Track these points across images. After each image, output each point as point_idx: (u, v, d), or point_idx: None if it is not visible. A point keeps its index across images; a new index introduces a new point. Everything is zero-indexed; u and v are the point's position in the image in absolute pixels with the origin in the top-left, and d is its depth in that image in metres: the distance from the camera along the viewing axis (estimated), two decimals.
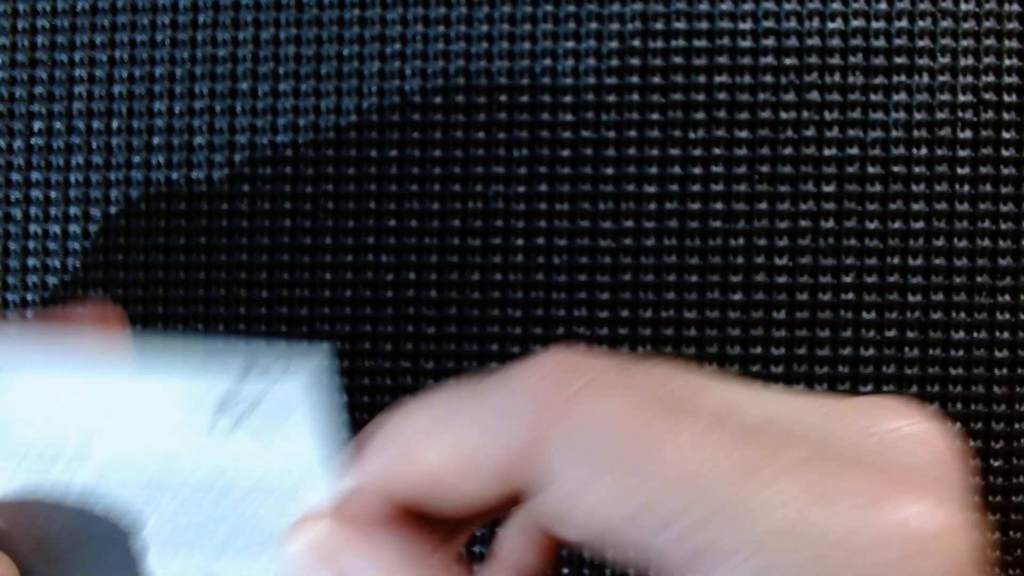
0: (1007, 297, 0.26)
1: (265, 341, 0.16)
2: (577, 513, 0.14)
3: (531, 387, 0.15)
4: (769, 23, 0.26)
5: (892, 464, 0.13)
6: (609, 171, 0.26)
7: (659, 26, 0.26)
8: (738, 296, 0.26)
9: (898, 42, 0.26)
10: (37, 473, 0.17)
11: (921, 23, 0.26)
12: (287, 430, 0.17)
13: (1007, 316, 0.26)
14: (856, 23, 0.26)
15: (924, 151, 0.26)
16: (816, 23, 0.26)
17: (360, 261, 0.26)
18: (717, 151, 0.26)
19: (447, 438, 0.15)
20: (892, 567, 0.12)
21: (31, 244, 0.28)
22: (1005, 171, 0.26)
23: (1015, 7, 0.26)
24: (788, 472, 0.13)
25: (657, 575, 0.14)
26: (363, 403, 0.27)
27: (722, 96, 0.26)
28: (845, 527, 0.12)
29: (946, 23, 0.26)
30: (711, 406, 0.14)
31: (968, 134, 0.26)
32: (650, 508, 0.13)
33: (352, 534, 0.16)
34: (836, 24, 0.26)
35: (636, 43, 0.26)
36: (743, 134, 0.26)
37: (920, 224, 0.26)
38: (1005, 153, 0.26)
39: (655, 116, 0.26)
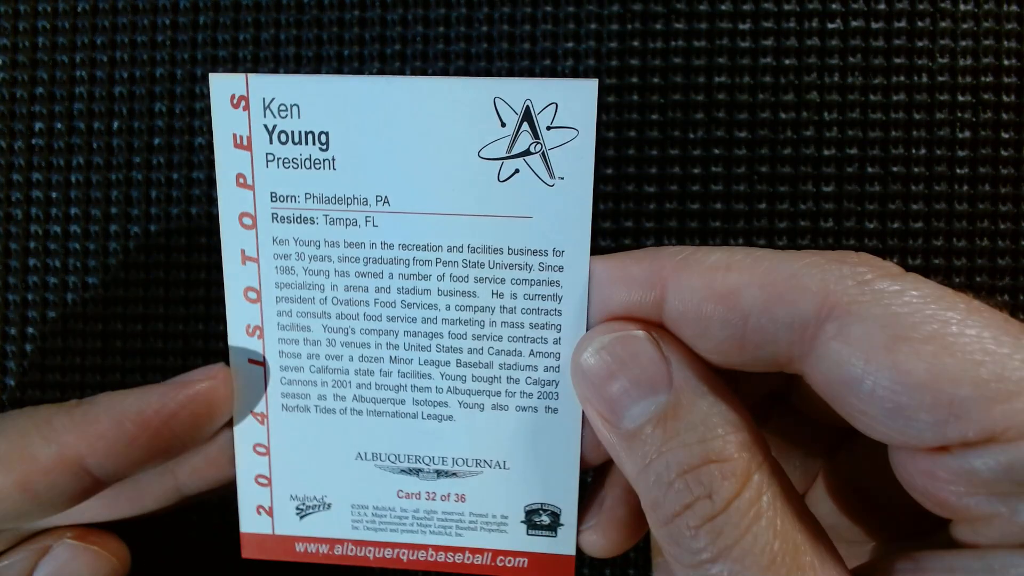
0: (1006, 297, 0.26)
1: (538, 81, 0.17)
2: (861, 384, 0.14)
3: (841, 257, 0.15)
4: (769, 23, 0.26)
5: None
6: (609, 171, 0.26)
7: (659, 26, 0.26)
8: None
9: (897, 42, 0.26)
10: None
11: (920, 23, 0.26)
12: (566, 169, 0.18)
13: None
14: (855, 23, 0.26)
15: (923, 151, 0.26)
16: (815, 23, 0.26)
17: None
18: (717, 151, 0.26)
19: (757, 270, 0.16)
20: None
21: (32, 244, 0.28)
22: (1004, 171, 0.26)
23: (1014, 8, 0.26)
24: None
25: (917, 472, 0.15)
26: None
27: (721, 96, 0.26)
28: None
29: (945, 23, 0.26)
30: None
31: (967, 134, 0.26)
32: (949, 384, 0.14)
33: (667, 346, 0.16)
34: (835, 24, 0.26)
35: (636, 43, 0.26)
36: (743, 134, 0.26)
37: (919, 224, 0.26)
38: (1004, 153, 0.26)
39: (655, 116, 0.26)
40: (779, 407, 0.21)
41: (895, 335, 0.14)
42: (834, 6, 0.26)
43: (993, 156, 0.26)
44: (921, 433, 0.14)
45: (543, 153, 0.17)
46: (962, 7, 0.26)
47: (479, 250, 0.18)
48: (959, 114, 0.26)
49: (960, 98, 0.26)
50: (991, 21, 0.26)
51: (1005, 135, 0.26)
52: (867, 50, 0.26)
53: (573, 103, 0.17)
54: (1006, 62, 0.26)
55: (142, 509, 0.22)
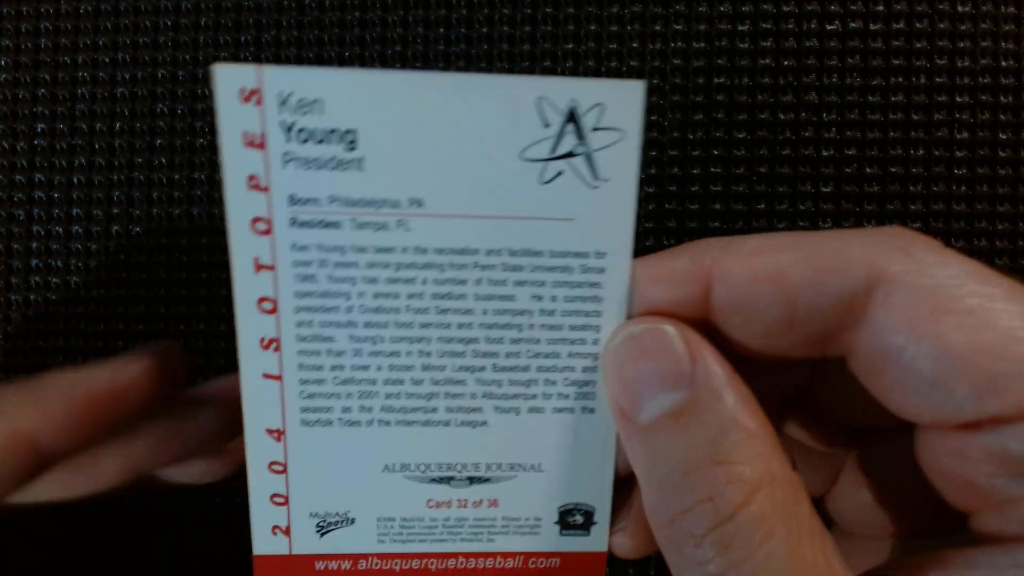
0: None
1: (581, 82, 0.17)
2: (903, 353, 0.14)
3: (885, 231, 0.15)
4: (767, 24, 0.26)
5: None
6: None
7: (658, 27, 0.26)
8: None
9: (896, 43, 0.26)
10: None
11: (918, 24, 0.26)
12: (610, 171, 0.17)
13: None
14: (854, 24, 0.26)
15: (921, 152, 0.26)
16: (814, 24, 0.26)
17: None
18: (716, 152, 0.26)
19: (802, 249, 0.15)
20: None
21: (34, 245, 0.28)
22: (1002, 172, 0.26)
23: (1012, 9, 0.26)
24: None
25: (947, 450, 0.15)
26: None
27: (720, 97, 0.26)
28: None
29: (943, 24, 0.26)
30: None
31: (965, 135, 0.26)
32: (989, 357, 0.14)
33: (696, 341, 0.16)
34: (834, 26, 0.26)
35: (635, 44, 0.26)
36: (742, 135, 0.26)
37: (917, 225, 0.26)
38: (1002, 154, 0.26)
39: (654, 117, 0.26)
40: (802, 408, 0.21)
41: (939, 306, 0.14)
42: (833, 7, 0.26)
43: (991, 157, 0.26)
44: (958, 406, 0.14)
45: (588, 155, 0.17)
46: (960, 8, 0.26)
47: (519, 253, 0.17)
48: (957, 115, 0.26)
49: (958, 99, 0.26)
50: (989, 22, 0.26)
51: (1003, 136, 0.26)
52: (866, 51, 0.26)
53: (619, 104, 0.17)
54: (1004, 63, 0.26)
55: (96, 488, 0.21)
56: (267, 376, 0.18)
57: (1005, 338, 0.14)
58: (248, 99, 0.16)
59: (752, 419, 0.15)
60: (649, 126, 0.26)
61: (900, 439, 0.17)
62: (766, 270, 0.16)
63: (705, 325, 0.17)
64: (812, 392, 0.20)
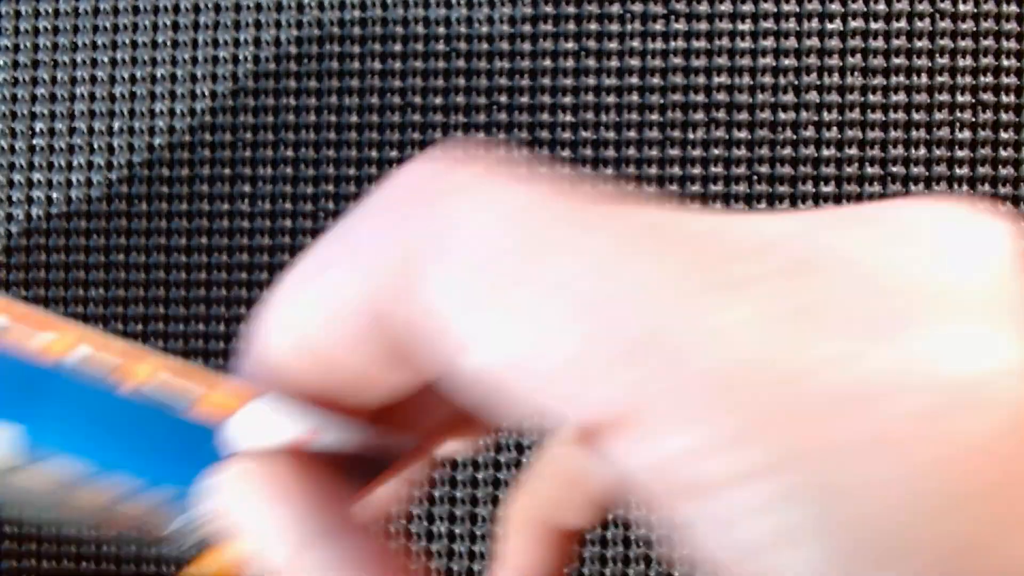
0: None
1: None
2: (476, 376, 0.09)
3: (390, 207, 0.10)
4: (768, 24, 0.26)
5: (923, 284, 0.08)
6: (609, 172, 0.26)
7: (659, 27, 0.26)
8: None
9: (896, 43, 0.26)
10: None
11: (919, 24, 0.26)
12: None
13: None
14: (855, 24, 0.26)
15: (922, 151, 0.26)
16: (815, 24, 0.26)
17: None
18: (716, 151, 0.26)
19: (309, 298, 0.10)
20: (903, 426, 0.07)
21: (35, 245, 0.28)
22: (1003, 171, 0.26)
23: (1013, 8, 0.26)
24: (753, 291, 0.08)
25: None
26: None
27: (721, 97, 0.26)
28: (837, 368, 0.08)
29: (944, 24, 0.26)
30: (646, 219, 0.09)
31: (966, 134, 0.26)
32: (540, 354, 0.09)
33: (259, 477, 0.11)
34: (835, 25, 0.26)
35: (636, 43, 0.26)
36: (742, 135, 0.26)
37: None
38: (1003, 153, 0.26)
39: (655, 116, 0.26)
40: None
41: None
42: (833, 7, 0.26)
43: (992, 156, 0.26)
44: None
45: None
46: (961, 7, 0.26)
47: None
48: (958, 114, 0.26)
49: (959, 98, 0.26)
50: (990, 21, 0.26)
51: (1004, 135, 0.26)
52: (866, 51, 0.26)
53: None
54: (1005, 62, 0.26)
55: None
56: None
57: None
58: None
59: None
60: (649, 126, 0.26)
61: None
62: (294, 351, 0.11)
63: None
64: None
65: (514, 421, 0.13)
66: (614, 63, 0.26)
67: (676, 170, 0.26)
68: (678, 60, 0.26)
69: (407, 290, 0.09)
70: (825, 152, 0.26)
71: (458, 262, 0.09)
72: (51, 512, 0.14)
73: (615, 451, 0.08)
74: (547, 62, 0.26)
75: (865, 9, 0.26)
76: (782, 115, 0.26)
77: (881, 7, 0.26)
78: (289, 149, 0.27)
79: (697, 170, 0.26)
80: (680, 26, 0.26)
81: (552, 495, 0.14)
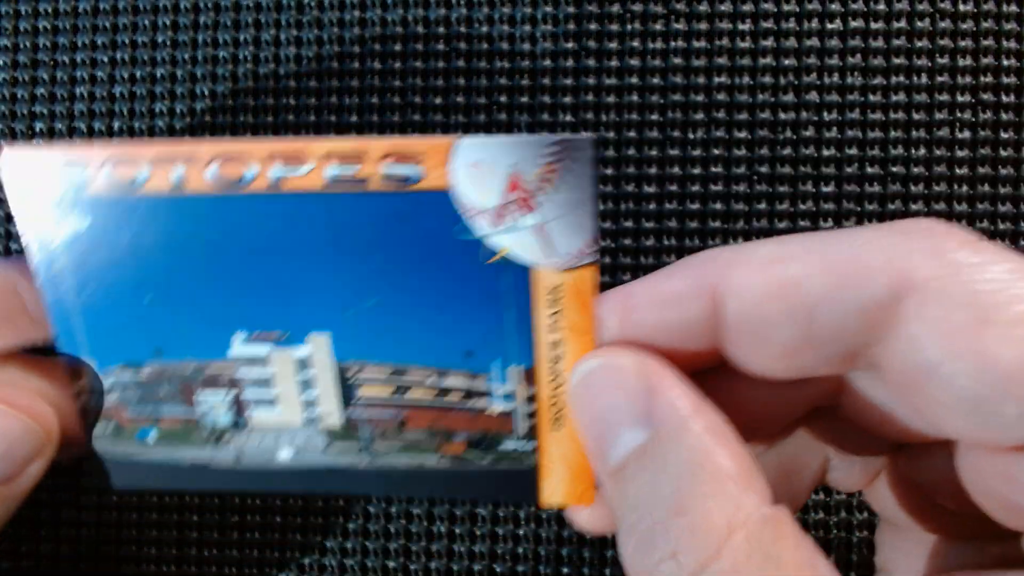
0: None
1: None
2: (939, 372, 0.13)
3: (907, 226, 0.14)
4: (768, 24, 0.26)
5: None
6: (609, 171, 0.26)
7: (659, 27, 0.26)
8: None
9: (896, 43, 0.26)
10: None
11: (919, 24, 0.26)
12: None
13: None
14: (855, 24, 0.26)
15: (923, 151, 0.26)
16: (815, 23, 0.26)
17: None
18: (716, 151, 0.26)
19: (815, 256, 0.14)
20: None
21: None
22: (1003, 172, 0.26)
23: (1013, 8, 0.26)
24: None
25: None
26: None
27: (721, 97, 0.26)
28: None
29: (944, 24, 0.26)
30: None
31: (967, 134, 0.26)
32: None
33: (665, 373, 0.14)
34: (835, 25, 0.26)
35: (636, 43, 0.26)
36: (742, 134, 0.26)
37: None
38: (1003, 153, 0.26)
39: (655, 116, 0.26)
40: (831, 415, 0.19)
41: (979, 316, 0.12)
42: (833, 7, 0.26)
43: (992, 156, 0.26)
44: (1006, 428, 0.13)
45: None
46: (961, 7, 0.26)
47: None
48: (958, 114, 0.26)
49: (959, 98, 0.26)
50: (990, 21, 0.26)
51: (1004, 135, 0.26)
52: (866, 50, 0.26)
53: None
54: (1005, 62, 0.26)
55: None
56: None
57: None
58: None
59: (722, 454, 0.14)
60: (649, 126, 0.26)
61: (942, 450, 0.16)
62: (777, 284, 0.14)
63: (710, 349, 0.15)
64: (839, 404, 0.18)
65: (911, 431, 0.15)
66: (614, 63, 0.26)
67: (676, 170, 0.26)
68: (678, 60, 0.26)
69: (906, 290, 0.13)
70: (825, 152, 0.26)
71: (954, 293, 0.13)
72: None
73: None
74: (547, 62, 0.26)
75: (865, 9, 0.26)
76: (782, 115, 0.26)
77: (881, 7, 0.26)
78: None
79: (697, 170, 0.26)
80: (680, 26, 0.26)
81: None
